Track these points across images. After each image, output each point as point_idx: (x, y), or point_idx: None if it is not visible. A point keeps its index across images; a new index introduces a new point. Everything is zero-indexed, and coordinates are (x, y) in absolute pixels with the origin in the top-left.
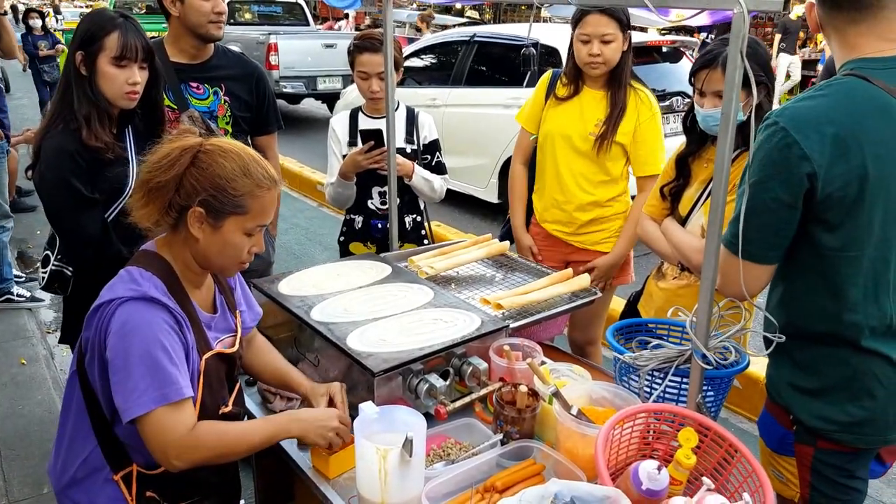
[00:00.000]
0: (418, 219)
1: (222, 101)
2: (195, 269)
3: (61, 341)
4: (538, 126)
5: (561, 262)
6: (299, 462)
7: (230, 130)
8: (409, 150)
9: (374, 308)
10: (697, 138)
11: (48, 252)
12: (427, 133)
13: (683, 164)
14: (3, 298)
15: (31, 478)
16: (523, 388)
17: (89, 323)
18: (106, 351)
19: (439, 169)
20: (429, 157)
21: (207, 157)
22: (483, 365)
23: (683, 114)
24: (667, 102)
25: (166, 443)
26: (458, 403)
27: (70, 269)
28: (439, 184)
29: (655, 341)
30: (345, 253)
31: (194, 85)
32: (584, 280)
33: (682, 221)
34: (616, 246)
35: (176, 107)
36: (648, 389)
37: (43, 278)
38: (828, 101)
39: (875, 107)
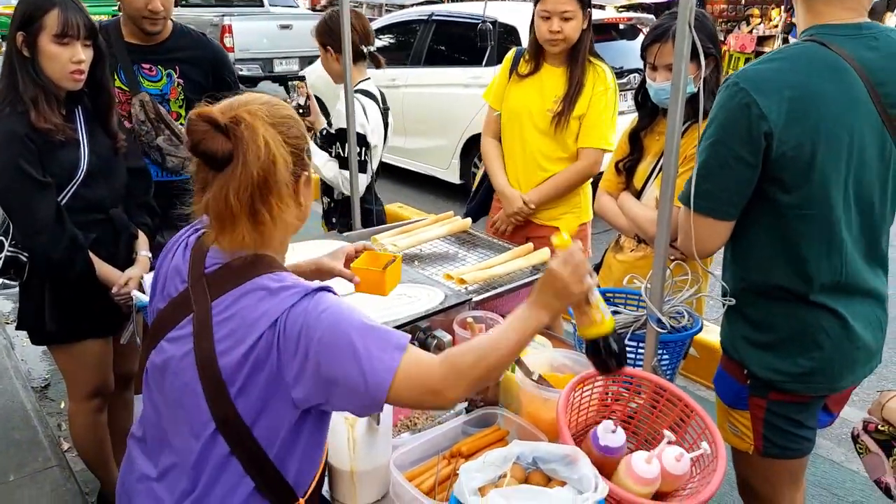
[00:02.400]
0: (332, 204)
1: (175, 84)
2: (285, 249)
3: (18, 327)
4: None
5: (522, 239)
6: None
7: (183, 114)
8: (324, 133)
9: (339, 285)
10: (649, 112)
11: (2, 238)
12: (335, 121)
13: (636, 139)
14: None
15: None
16: None
17: (240, 363)
18: (309, 363)
19: (339, 160)
20: (335, 144)
21: (270, 112)
22: (447, 337)
23: (635, 90)
24: (624, 80)
25: (433, 380)
26: None
27: (25, 254)
28: (322, 162)
29: (612, 309)
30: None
31: (147, 66)
32: (545, 254)
33: (638, 195)
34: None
35: (128, 88)
36: None
37: None
38: (787, 65)
39: (831, 72)
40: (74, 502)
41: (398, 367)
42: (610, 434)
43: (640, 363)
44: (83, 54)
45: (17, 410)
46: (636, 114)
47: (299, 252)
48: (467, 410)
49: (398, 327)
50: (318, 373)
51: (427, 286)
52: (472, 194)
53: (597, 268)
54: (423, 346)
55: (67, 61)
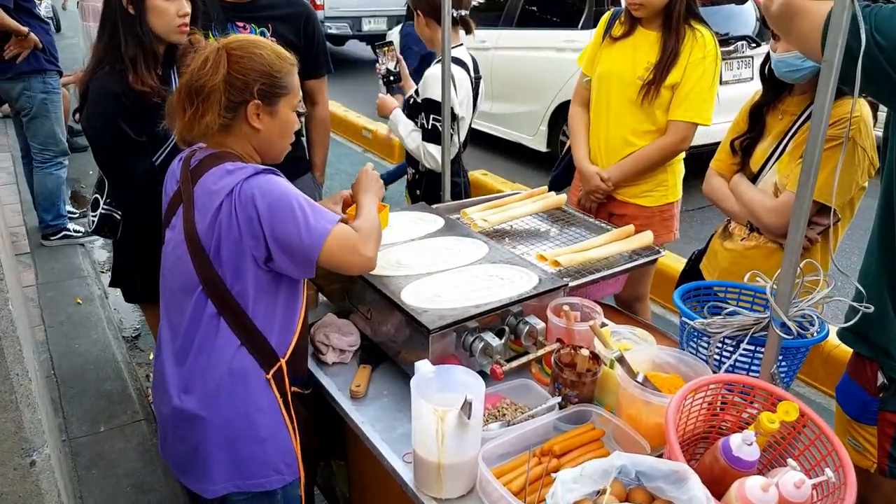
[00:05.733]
0: (416, 175)
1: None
2: (256, 158)
3: (112, 285)
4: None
5: (605, 215)
6: (358, 422)
7: None
8: (411, 101)
9: (429, 262)
10: (773, 87)
11: (97, 195)
12: (422, 89)
13: (758, 116)
14: (60, 235)
15: (89, 415)
16: (585, 352)
17: (210, 228)
18: (257, 222)
19: (423, 132)
20: (420, 114)
21: (242, 52)
22: (540, 325)
23: (762, 60)
24: (731, 47)
25: (355, 243)
26: (515, 363)
27: (119, 213)
28: (406, 132)
29: (729, 307)
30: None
31: (241, 24)
32: (647, 238)
33: (753, 178)
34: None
35: None
36: (718, 357)
37: (92, 222)
38: None
39: None
40: (159, 458)
41: (331, 232)
42: (746, 446)
43: (756, 369)
44: (187, 7)
45: (109, 362)
46: (741, 84)
47: (392, 222)
48: (561, 406)
49: (490, 311)
50: (266, 231)
51: (521, 268)
52: (557, 162)
53: (700, 253)
54: (515, 332)
55: (174, 15)
